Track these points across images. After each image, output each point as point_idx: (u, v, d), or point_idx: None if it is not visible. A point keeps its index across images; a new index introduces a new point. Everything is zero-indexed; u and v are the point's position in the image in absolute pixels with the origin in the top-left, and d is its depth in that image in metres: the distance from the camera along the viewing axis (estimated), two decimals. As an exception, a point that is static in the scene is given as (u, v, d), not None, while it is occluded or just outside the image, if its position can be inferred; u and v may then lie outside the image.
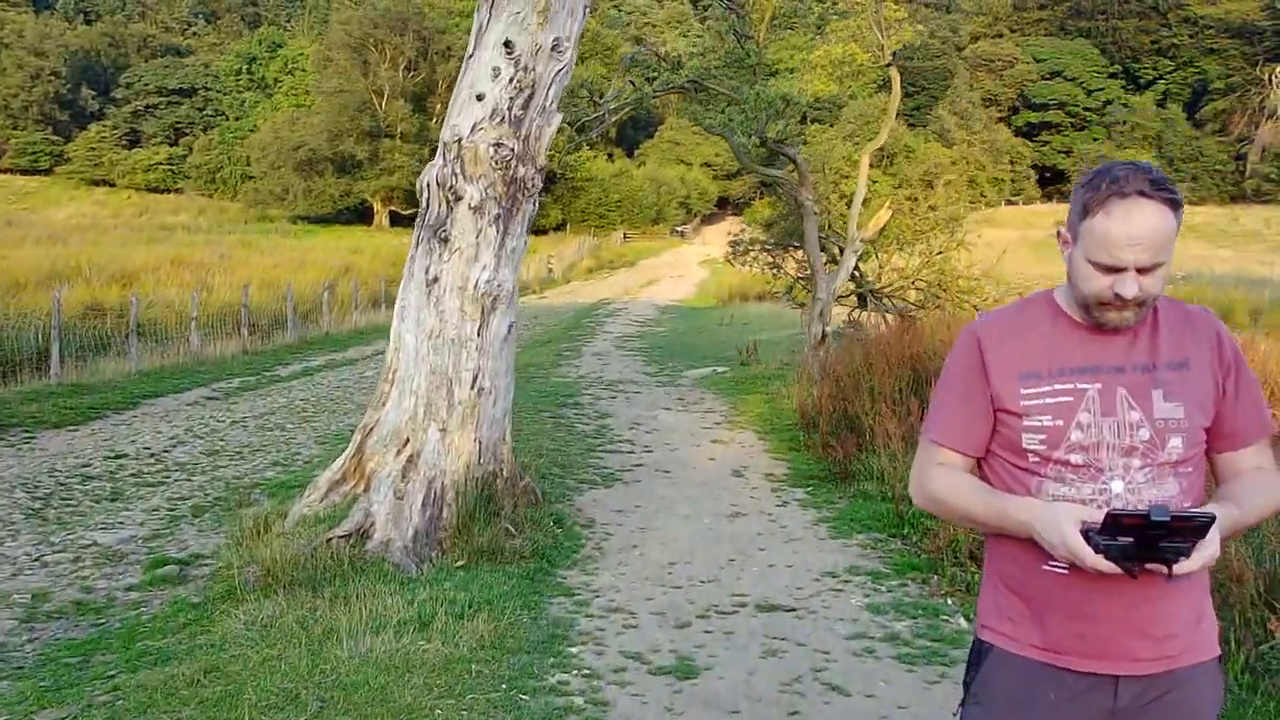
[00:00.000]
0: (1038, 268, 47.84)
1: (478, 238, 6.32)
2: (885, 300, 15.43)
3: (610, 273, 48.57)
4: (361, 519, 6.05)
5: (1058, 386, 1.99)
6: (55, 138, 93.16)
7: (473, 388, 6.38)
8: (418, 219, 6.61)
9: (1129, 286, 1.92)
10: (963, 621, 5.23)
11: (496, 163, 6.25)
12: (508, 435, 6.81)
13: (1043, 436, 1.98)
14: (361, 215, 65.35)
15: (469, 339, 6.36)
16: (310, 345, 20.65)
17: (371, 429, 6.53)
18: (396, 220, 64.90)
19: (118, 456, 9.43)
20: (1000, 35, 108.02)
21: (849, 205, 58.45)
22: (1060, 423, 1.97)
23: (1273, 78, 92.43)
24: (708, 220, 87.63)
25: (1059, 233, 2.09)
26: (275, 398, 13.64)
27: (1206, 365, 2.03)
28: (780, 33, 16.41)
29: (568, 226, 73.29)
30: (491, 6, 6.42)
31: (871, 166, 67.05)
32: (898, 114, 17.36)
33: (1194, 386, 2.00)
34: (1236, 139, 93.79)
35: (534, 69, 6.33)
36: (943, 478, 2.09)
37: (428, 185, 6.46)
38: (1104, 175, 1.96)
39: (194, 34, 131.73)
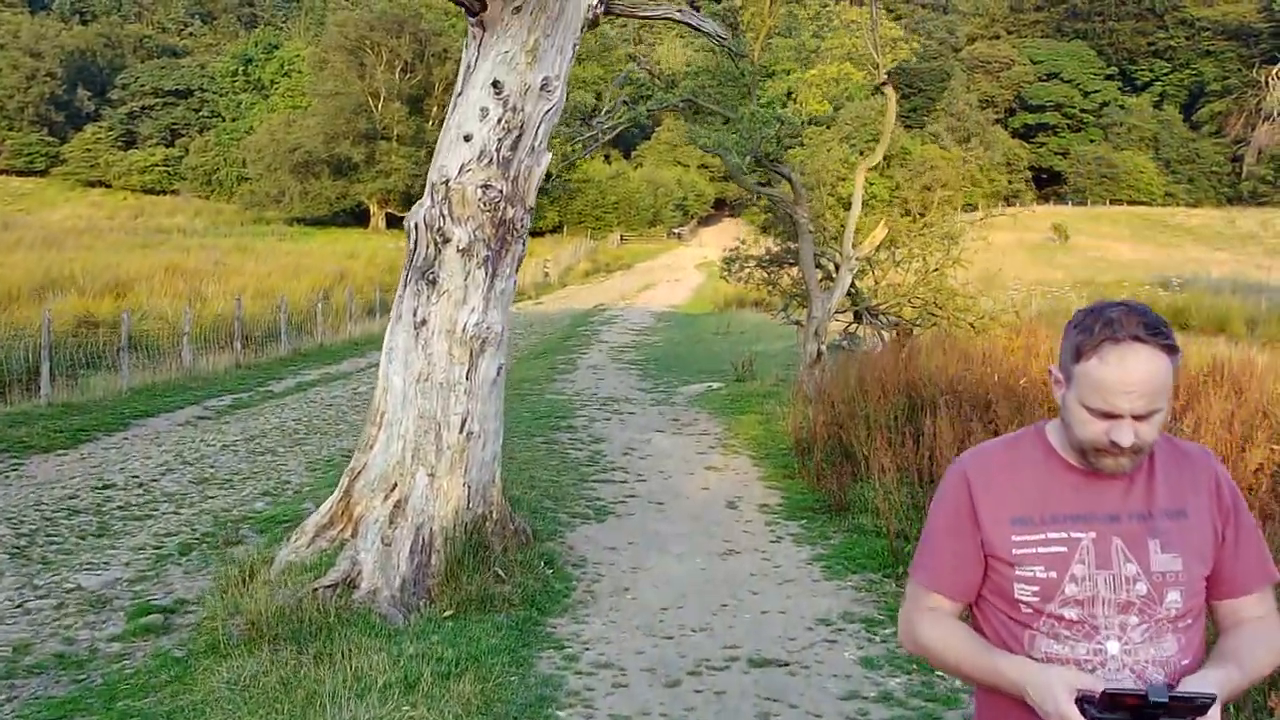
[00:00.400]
0: (1034, 271, 47.81)
1: (466, 280, 6.24)
2: (881, 317, 15.36)
3: (606, 276, 48.52)
4: (348, 567, 5.97)
5: (1050, 535, 1.91)
6: (51, 139, 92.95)
7: (461, 432, 6.30)
8: (405, 259, 6.53)
9: (1125, 434, 1.83)
10: (956, 679, 5.16)
11: (485, 205, 6.17)
12: (497, 477, 6.73)
13: (1036, 589, 1.90)
14: (358, 217, 65.24)
15: (457, 383, 6.28)
16: (304, 358, 20.56)
17: (359, 472, 6.45)
18: (393, 222, 64.77)
19: (105, 487, 9.33)
20: (997, 37, 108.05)
21: (846, 208, 58.09)
22: (1054, 575, 1.89)
23: (1269, 79, 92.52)
24: (705, 222, 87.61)
25: (1050, 371, 1.99)
26: (267, 417, 13.55)
27: (1205, 512, 1.94)
28: (774, 48, 16.25)
29: (564, 228, 73.23)
30: (479, 45, 6.34)
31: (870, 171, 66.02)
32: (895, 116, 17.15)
33: (1192, 535, 1.92)
34: (1233, 140, 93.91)
35: (523, 109, 6.25)
36: (933, 626, 2.00)
37: (415, 226, 6.38)
38: (1096, 317, 1.87)
39: (190, 34, 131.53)
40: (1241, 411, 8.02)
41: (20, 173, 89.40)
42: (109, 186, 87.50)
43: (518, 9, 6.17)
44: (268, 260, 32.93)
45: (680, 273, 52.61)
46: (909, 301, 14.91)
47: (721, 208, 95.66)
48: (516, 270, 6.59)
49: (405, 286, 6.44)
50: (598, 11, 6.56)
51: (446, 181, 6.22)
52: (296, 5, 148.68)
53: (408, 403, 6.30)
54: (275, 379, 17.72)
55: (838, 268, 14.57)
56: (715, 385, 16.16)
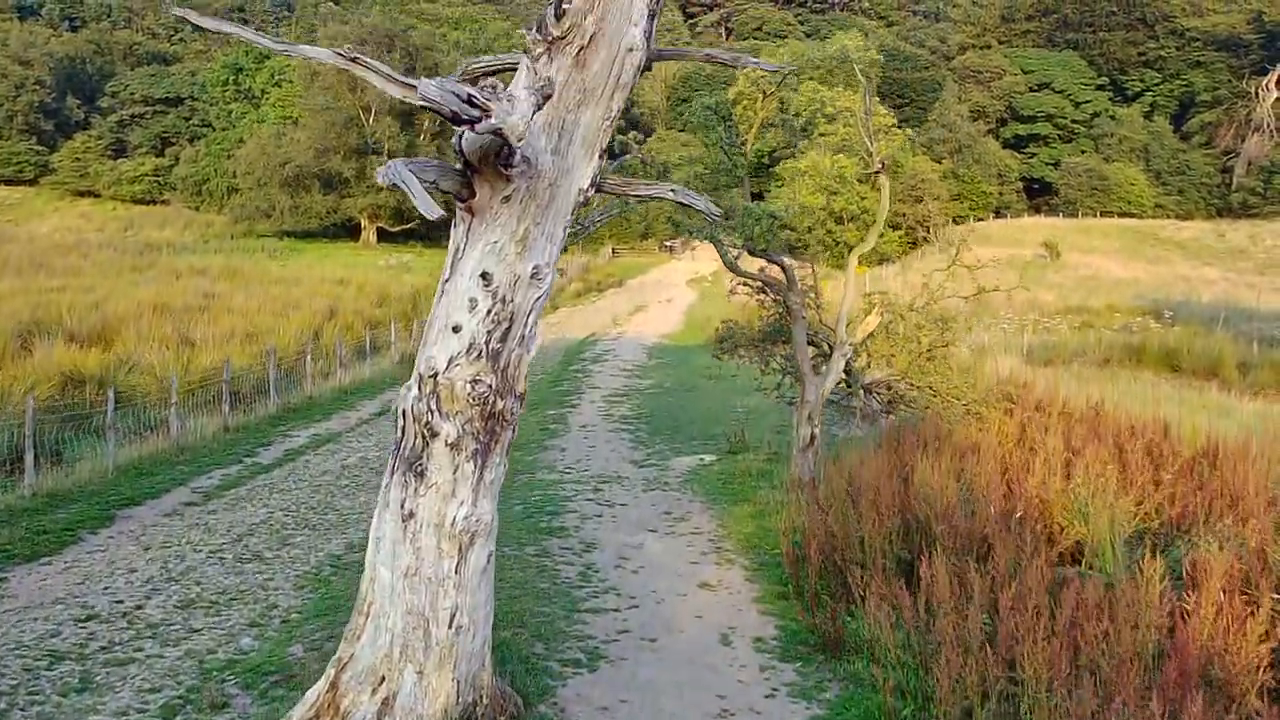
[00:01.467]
0: (1025, 292, 47.81)
1: (455, 474, 6.11)
2: (876, 396, 15.26)
3: (598, 295, 48.39)
4: (335, 774, 5.85)
5: None
6: (40, 148, 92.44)
7: (450, 627, 6.17)
8: (392, 447, 6.39)
9: None
10: None
11: (474, 399, 6.05)
12: (487, 662, 6.60)
13: None
14: (349, 229, 64.99)
15: (446, 577, 6.16)
16: (293, 414, 20.40)
17: (346, 664, 6.32)
18: (383, 236, 64.59)
19: (89, 618, 9.17)
20: (989, 46, 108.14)
21: (839, 222, 57.57)
22: None
23: (1259, 91, 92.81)
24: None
25: None
26: (254, 507, 13.38)
27: None
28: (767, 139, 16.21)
29: (556, 242, 73.04)
30: (468, 230, 6.21)
31: (860, 181, 65.96)
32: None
33: None
34: (1223, 151, 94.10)
35: (513, 300, 6.13)
36: None
37: (402, 414, 6.25)
38: None
39: (180, 40, 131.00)
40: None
41: (9, 182, 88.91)
42: (98, 196, 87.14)
43: (507, 198, 6.05)
44: (257, 291, 32.63)
45: (672, 290, 52.54)
46: (904, 381, 14.80)
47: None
48: (508, 454, 6.46)
49: (392, 475, 6.31)
50: (588, 195, 6.43)
51: (435, 375, 6.09)
52: (288, 12, 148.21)
53: (395, 596, 6.17)
54: (263, 445, 17.56)
55: (831, 348, 14.46)
56: (707, 459, 16.07)
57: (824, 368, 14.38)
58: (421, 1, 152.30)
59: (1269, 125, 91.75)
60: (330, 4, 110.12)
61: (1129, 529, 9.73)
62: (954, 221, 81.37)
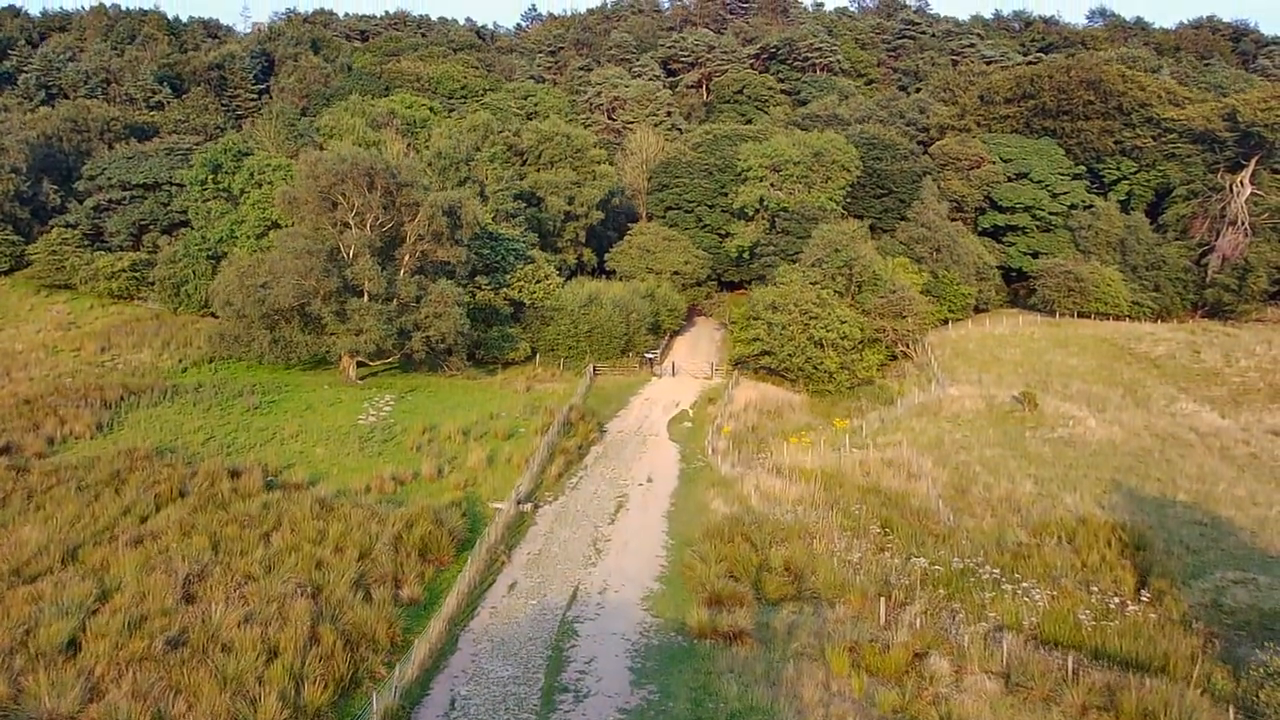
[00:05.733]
0: (1001, 464, 48.05)
1: None
2: None
3: (580, 467, 48.21)
4: None
5: None
6: (16, 237, 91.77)
7: None
8: None
9: None
10: None
11: None
12: None
13: None
14: (328, 359, 64.72)
15: None
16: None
17: None
18: (362, 366, 64.36)
19: None
20: (968, 129, 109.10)
21: (819, 346, 58.96)
22: None
23: (1234, 186, 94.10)
24: (677, 332, 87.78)
25: None
26: None
27: None
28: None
29: (537, 357, 73.14)
30: None
31: (839, 295, 67.53)
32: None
33: None
34: (1198, 244, 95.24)
35: None
36: None
37: None
38: None
39: (159, 103, 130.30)
40: None
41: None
42: (75, 289, 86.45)
43: None
44: (238, 554, 31.92)
45: (654, 450, 52.60)
46: None
47: (693, 314, 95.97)
48: None
49: None
50: None
51: None
52: (265, 89, 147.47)
53: None
54: None
55: None
56: None
57: None
58: (402, 61, 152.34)
59: (1243, 221, 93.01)
60: (308, 120, 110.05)
61: None
62: (940, 323, 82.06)
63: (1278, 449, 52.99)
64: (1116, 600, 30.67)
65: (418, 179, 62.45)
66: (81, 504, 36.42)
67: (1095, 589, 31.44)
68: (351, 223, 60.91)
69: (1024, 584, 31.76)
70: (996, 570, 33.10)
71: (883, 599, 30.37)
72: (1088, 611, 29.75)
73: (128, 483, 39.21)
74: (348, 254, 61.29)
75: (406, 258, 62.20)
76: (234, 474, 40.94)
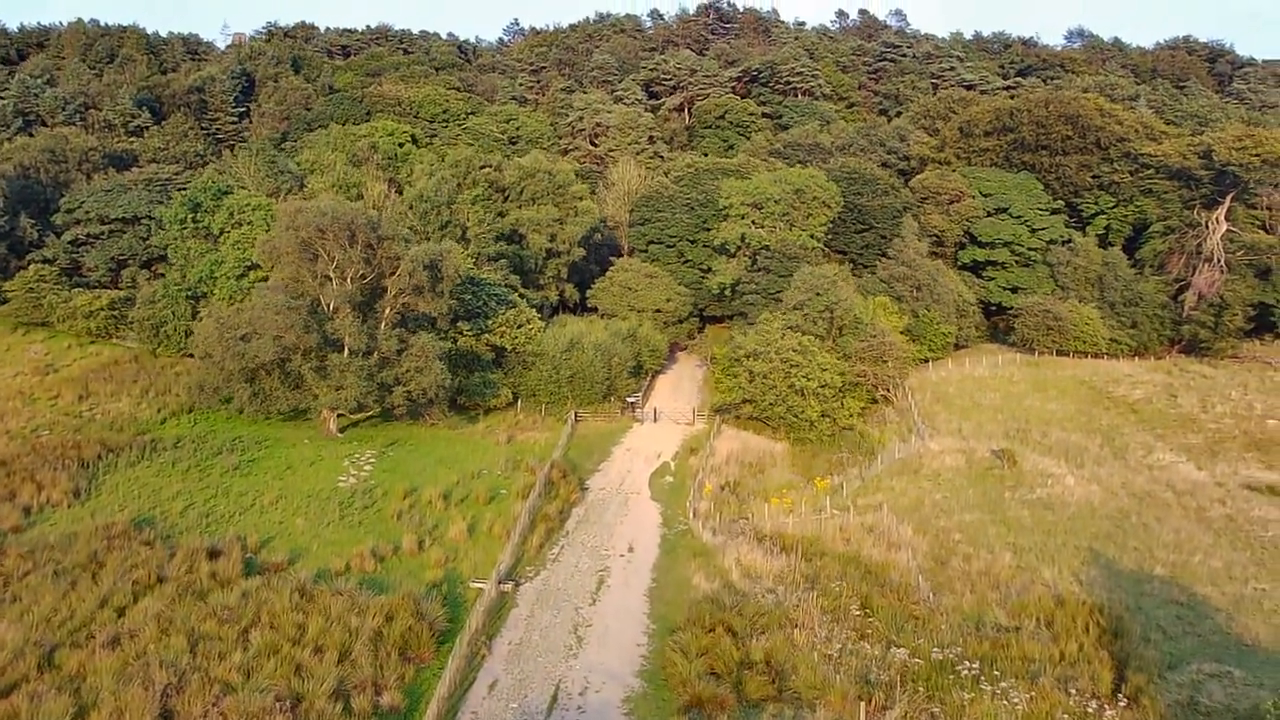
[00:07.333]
0: (981, 532, 48.40)
1: None
2: None
3: (561, 534, 48.13)
4: None
5: None
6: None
7: None
8: None
9: None
10: None
11: None
12: None
13: None
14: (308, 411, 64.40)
15: None
16: None
17: None
18: (343, 417, 64.12)
19: None
20: (948, 162, 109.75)
21: (800, 395, 59.12)
22: None
23: (1209, 223, 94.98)
24: (659, 370, 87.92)
25: None
26: None
27: None
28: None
29: (519, 402, 73.07)
30: None
31: (819, 338, 67.62)
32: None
33: None
34: (1174, 280, 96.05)
35: None
36: None
37: None
38: None
39: (138, 128, 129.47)
40: None
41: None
42: (52, 326, 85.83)
43: None
44: (217, 657, 31.69)
45: (636, 510, 52.65)
46: None
47: (674, 351, 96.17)
48: None
49: None
50: None
51: None
52: (246, 111, 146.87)
53: None
54: None
55: None
56: None
57: None
58: (384, 83, 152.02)
59: (1219, 258, 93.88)
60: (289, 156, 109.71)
61: None
62: (921, 362, 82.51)
63: (1253, 509, 53.47)
64: (1094, 703, 30.88)
65: (399, 231, 62.38)
66: (58, 594, 36.13)
67: (1074, 689, 31.62)
68: (332, 275, 60.71)
69: (1002, 683, 31.94)
70: (975, 665, 33.26)
71: (863, 703, 30.49)
72: (1066, 716, 29.96)
73: (105, 566, 38.94)
74: (328, 307, 61.10)
75: (387, 310, 62.04)
76: (213, 554, 40.74)
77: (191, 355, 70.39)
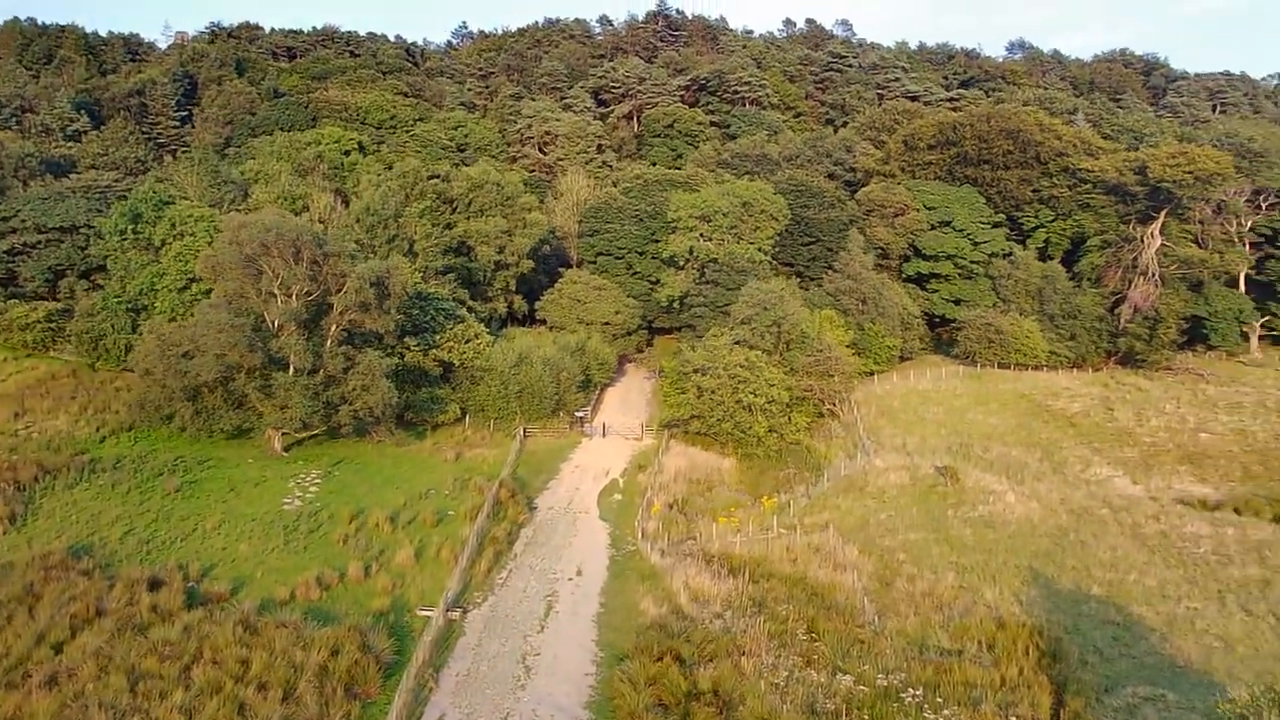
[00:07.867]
0: (923, 552, 49.26)
1: None
2: None
3: (509, 555, 48.06)
4: None
5: None
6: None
7: None
8: None
9: None
10: None
11: None
12: None
13: None
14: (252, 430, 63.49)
15: None
16: None
17: None
18: (288, 435, 63.35)
19: None
20: (893, 175, 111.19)
21: (748, 410, 59.54)
22: None
23: (1145, 238, 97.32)
24: (608, 383, 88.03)
25: None
26: None
27: None
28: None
29: (467, 418, 72.75)
30: None
31: (767, 353, 68.11)
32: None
33: None
34: (1111, 293, 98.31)
35: None
36: None
37: None
38: None
39: (77, 132, 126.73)
40: None
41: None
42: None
43: None
44: (157, 696, 31.13)
45: (586, 529, 52.72)
46: None
47: (623, 362, 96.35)
48: None
49: None
50: None
51: None
52: (189, 116, 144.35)
53: None
54: None
55: None
56: None
57: None
58: (331, 88, 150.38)
59: (1154, 272, 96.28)
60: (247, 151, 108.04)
61: None
62: (868, 375, 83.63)
63: (1185, 524, 54.89)
64: (1034, 730, 31.59)
65: (345, 246, 61.83)
66: (-7, 630, 35.32)
67: (1014, 716, 32.31)
68: (276, 292, 59.99)
69: (945, 710, 32.54)
70: (919, 692, 33.84)
71: (808, 733, 30.89)
72: (1006, 744, 30.62)
73: (42, 599, 38.03)
74: (273, 324, 60.36)
75: (333, 328, 61.45)
76: (154, 584, 40.03)
77: (131, 370, 69.07)
